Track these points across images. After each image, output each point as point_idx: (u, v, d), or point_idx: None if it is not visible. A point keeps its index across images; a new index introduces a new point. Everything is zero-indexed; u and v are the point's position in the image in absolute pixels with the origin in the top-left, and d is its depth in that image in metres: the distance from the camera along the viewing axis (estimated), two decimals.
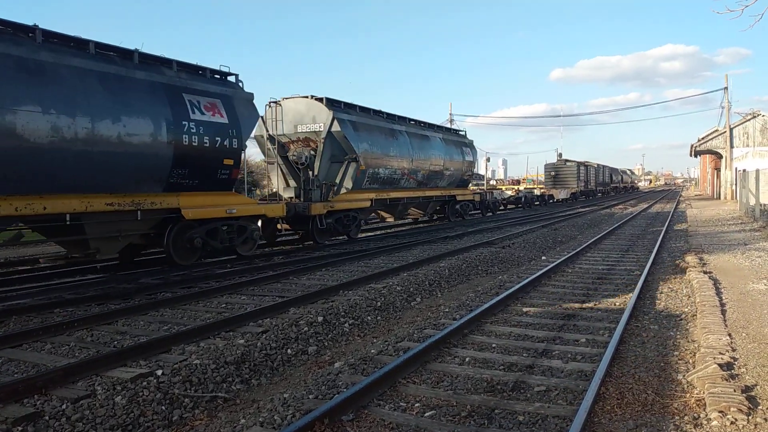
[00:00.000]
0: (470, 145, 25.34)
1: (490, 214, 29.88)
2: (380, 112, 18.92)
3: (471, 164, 24.83)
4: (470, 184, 27.38)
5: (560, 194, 44.45)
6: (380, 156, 17.67)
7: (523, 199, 37.11)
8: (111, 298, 8.65)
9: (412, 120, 21.20)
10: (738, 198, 29.20)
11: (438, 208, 23.70)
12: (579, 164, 48.83)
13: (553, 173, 47.73)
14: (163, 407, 4.74)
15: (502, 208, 34.84)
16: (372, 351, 6.01)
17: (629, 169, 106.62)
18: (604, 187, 62.47)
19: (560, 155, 55.04)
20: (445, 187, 22.64)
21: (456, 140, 24.21)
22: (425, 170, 20.66)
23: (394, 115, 19.96)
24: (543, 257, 13.35)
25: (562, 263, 11.47)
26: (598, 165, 59.21)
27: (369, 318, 7.76)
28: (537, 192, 41.15)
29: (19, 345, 6.27)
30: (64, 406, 4.50)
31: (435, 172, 21.32)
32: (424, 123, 22.15)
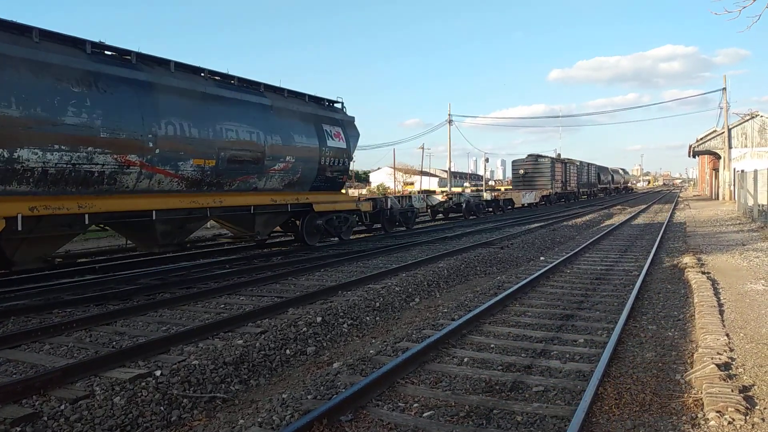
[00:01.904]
0: (343, 122, 15.88)
1: (404, 229, 20.51)
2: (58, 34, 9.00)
3: (342, 154, 15.48)
4: (365, 187, 20.86)
5: (525, 198, 34.67)
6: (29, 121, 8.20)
7: (464, 205, 27.07)
8: (110, 299, 8.65)
9: (183, 65, 11.33)
10: (736, 198, 29.24)
11: (291, 223, 15.11)
12: (554, 161, 41.47)
13: (521, 172, 40.28)
14: (162, 408, 4.74)
15: (439, 218, 27.32)
16: (371, 351, 6.02)
17: (622, 168, 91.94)
18: (589, 189, 54.49)
19: (559, 155, 50.40)
20: (280, 189, 13.58)
21: (305, 112, 14.35)
22: (207, 157, 11.22)
23: (107, 48, 9.98)
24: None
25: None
26: (581, 162, 51.60)
27: (368, 318, 7.77)
28: (488, 196, 30.75)
29: (17, 345, 6.26)
30: (62, 407, 4.50)
31: (240, 162, 12.08)
32: (224, 75, 12.36)
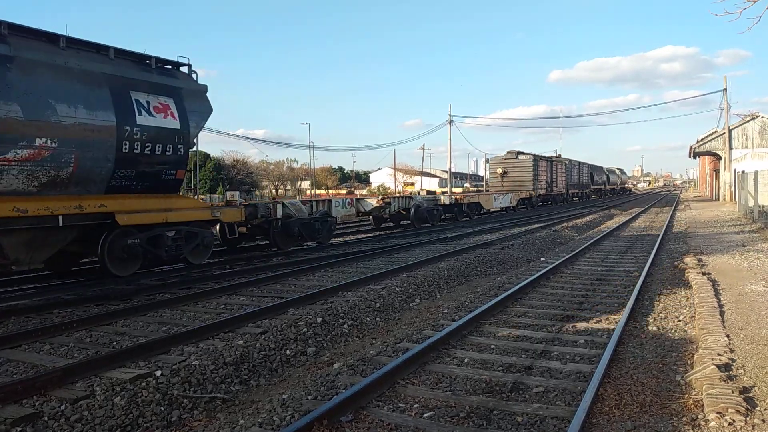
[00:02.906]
0: (180, 92, 10.92)
1: (312, 245, 15.58)
2: None
3: (172, 136, 10.47)
4: (186, 189, 13.73)
5: (498, 201, 29.72)
6: None
7: (413, 211, 21.36)
8: (110, 299, 8.65)
9: None
10: (737, 199, 29.23)
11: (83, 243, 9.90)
12: (537, 158, 37.04)
13: (499, 171, 35.96)
14: (162, 408, 4.75)
15: (387, 228, 21.84)
16: (371, 352, 6.02)
17: (619, 168, 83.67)
18: (580, 190, 49.70)
19: (559, 156, 47.57)
20: (33, 192, 8.58)
21: (95, 71, 9.44)
22: None
23: None
24: None
25: None
26: (570, 161, 46.93)
27: (368, 319, 7.77)
28: (446, 200, 24.66)
29: (18, 345, 6.27)
30: (63, 407, 4.50)
31: None
32: None
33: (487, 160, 42.83)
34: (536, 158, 36.66)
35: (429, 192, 33.05)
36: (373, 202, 19.99)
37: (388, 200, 20.95)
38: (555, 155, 46.76)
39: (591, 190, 54.95)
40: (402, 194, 25.95)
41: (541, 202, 38.71)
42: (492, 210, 30.27)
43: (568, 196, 45.01)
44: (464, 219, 26.14)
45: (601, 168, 64.10)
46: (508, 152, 37.47)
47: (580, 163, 50.38)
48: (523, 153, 36.96)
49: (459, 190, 35.31)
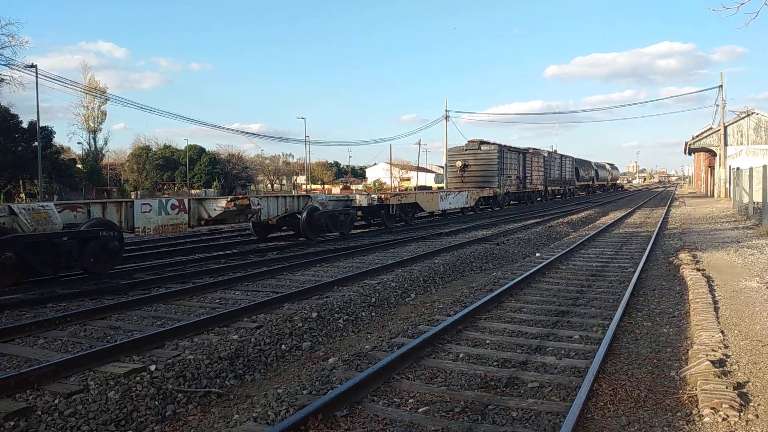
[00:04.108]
0: None
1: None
2: None
3: None
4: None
5: (447, 201, 23.62)
6: None
7: (304, 216, 15.32)
8: (104, 293, 8.62)
9: None
10: (731, 196, 29.35)
11: None
12: (504, 149, 30.98)
13: (459, 164, 30.36)
14: (157, 402, 4.73)
15: (278, 237, 16.39)
16: (366, 347, 6.02)
17: (609, 163, 74.84)
18: (563, 186, 44.36)
19: (555, 152, 45.06)
20: None
21: None
22: None
23: None
24: None
25: None
26: (550, 153, 41.74)
27: (363, 314, 7.77)
28: (364, 201, 18.66)
29: (11, 340, 6.24)
30: (56, 401, 4.48)
31: None
32: None
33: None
34: (503, 149, 30.95)
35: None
36: (222, 203, 12.94)
37: (245, 202, 13.64)
38: (552, 151, 44.51)
39: (576, 187, 49.89)
40: (285, 194, 18.09)
41: (514, 201, 34.01)
42: (436, 212, 24.19)
43: (547, 194, 40.04)
44: (398, 224, 20.31)
45: (589, 162, 58.83)
46: (470, 141, 31.67)
47: (562, 156, 44.85)
48: (487, 143, 31.05)
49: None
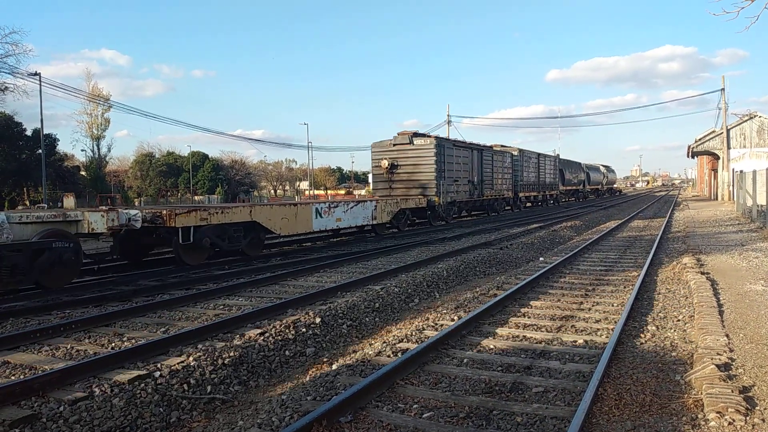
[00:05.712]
0: None
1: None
2: None
3: None
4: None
5: (327, 218, 15.47)
6: None
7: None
8: (109, 300, 8.64)
9: None
10: (735, 199, 29.26)
11: None
12: (445, 144, 23.28)
13: (385, 163, 22.51)
14: (161, 409, 4.74)
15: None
16: (370, 352, 6.01)
17: (605, 165, 66.26)
18: (541, 193, 37.20)
19: (557, 156, 42.14)
20: None
21: None
22: None
23: None
24: None
25: None
26: (521, 152, 33.16)
27: (367, 319, 7.76)
28: (98, 225, 9.64)
29: (16, 347, 6.25)
30: (61, 408, 4.49)
31: None
32: None
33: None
34: (443, 143, 23.09)
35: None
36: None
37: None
38: (555, 156, 41.53)
39: (560, 192, 42.27)
40: None
41: (465, 212, 27.09)
42: (299, 234, 15.47)
43: (517, 201, 32.67)
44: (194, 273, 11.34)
45: (577, 163, 51.01)
46: (400, 134, 23.30)
47: (540, 155, 37.20)
48: (421, 135, 22.89)
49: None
